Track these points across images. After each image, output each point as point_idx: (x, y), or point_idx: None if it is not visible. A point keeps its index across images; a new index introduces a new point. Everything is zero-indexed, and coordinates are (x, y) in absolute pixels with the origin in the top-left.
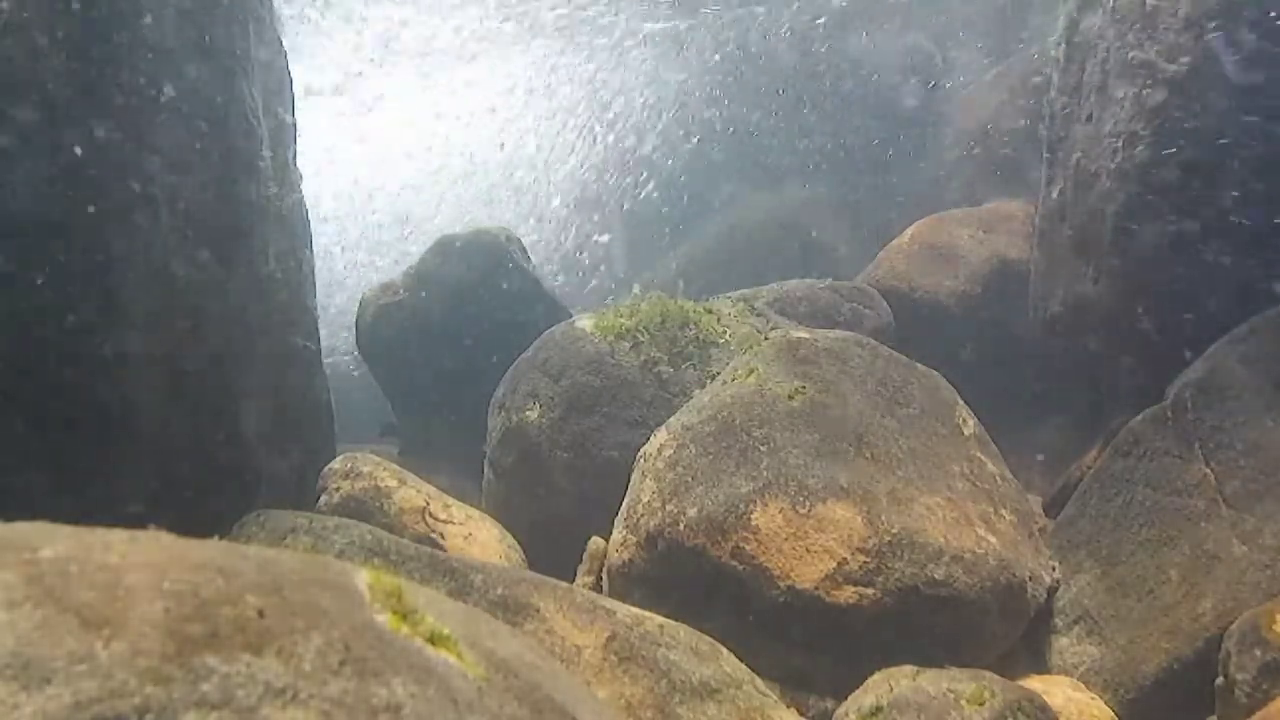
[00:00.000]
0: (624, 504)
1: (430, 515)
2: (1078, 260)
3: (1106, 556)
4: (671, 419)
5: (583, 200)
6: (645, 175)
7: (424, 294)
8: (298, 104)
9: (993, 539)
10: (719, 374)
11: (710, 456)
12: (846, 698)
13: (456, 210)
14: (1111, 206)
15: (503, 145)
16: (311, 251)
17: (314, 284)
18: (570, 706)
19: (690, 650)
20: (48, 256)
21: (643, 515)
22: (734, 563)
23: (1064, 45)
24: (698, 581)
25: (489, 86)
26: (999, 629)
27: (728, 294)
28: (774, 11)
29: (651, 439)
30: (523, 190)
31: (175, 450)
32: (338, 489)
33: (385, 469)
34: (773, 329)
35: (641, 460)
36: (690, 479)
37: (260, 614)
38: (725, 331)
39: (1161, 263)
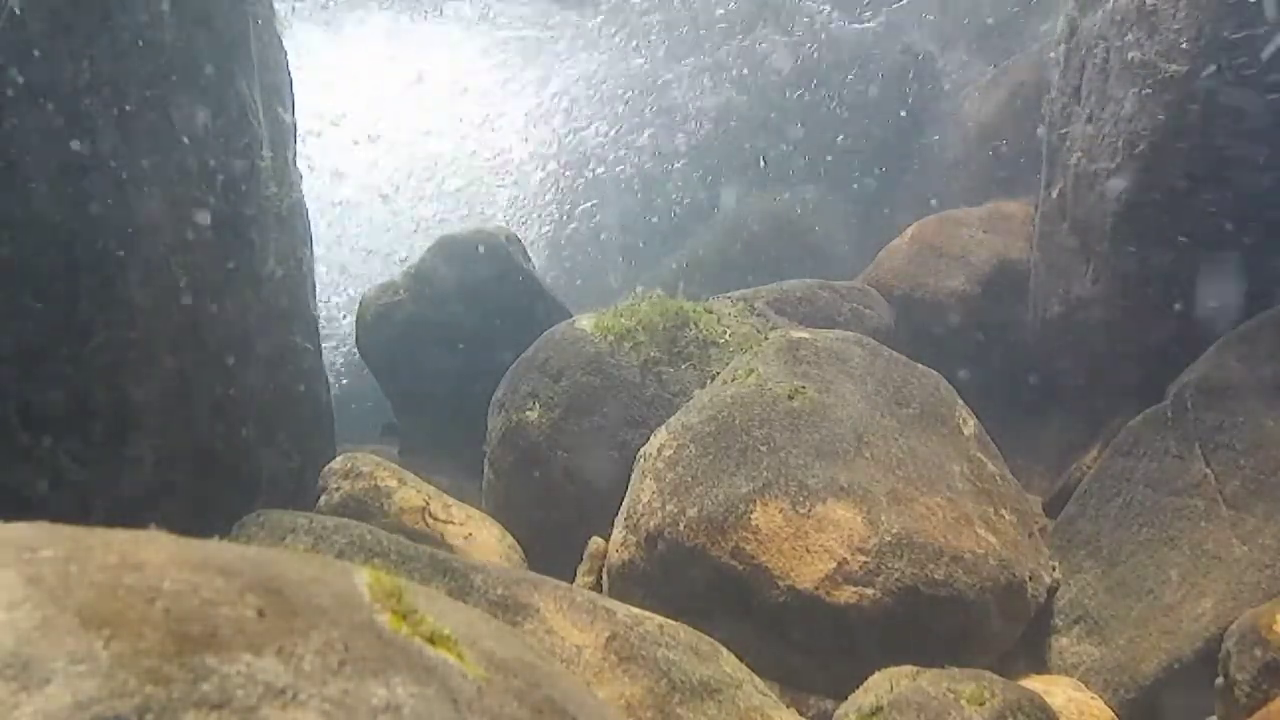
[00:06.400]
0: (624, 504)
1: (430, 515)
2: (1078, 260)
3: (1106, 556)
4: (671, 419)
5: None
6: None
7: (424, 294)
8: None
9: (993, 539)
10: (719, 374)
11: (710, 456)
12: (846, 698)
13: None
14: (1111, 206)
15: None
16: (311, 251)
17: (314, 284)
18: (570, 706)
19: (690, 650)
20: (48, 256)
21: (643, 515)
22: (734, 563)
23: (1064, 46)
24: (698, 581)
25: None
26: (999, 629)
27: (728, 294)
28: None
29: (651, 439)
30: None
31: (175, 450)
32: (338, 489)
33: (385, 469)
34: (773, 329)
35: (641, 460)
36: (690, 479)
37: (260, 614)
38: (725, 331)
39: (1161, 263)
